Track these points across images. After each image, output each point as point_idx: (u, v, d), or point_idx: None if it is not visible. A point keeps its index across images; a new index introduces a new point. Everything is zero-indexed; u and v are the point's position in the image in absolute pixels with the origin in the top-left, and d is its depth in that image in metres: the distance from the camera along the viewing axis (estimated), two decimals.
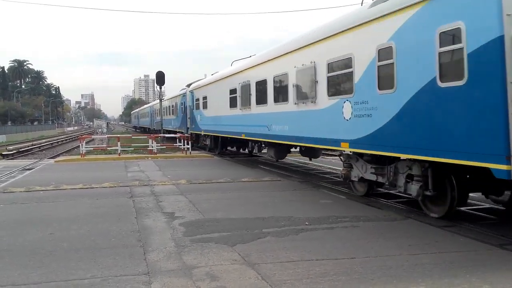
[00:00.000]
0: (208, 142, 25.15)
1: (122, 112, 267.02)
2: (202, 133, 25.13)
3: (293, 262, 5.84)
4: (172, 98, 37.67)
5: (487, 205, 9.61)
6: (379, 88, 8.73)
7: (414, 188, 8.39)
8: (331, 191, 11.72)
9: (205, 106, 23.75)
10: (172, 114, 37.08)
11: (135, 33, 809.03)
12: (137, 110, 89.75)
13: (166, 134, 31.47)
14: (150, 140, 25.10)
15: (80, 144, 24.51)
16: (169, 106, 38.86)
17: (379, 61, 8.69)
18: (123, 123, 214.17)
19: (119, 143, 23.79)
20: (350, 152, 10.34)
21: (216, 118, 21.44)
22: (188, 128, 29.04)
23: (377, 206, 9.56)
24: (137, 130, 75.65)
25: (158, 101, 42.32)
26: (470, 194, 10.45)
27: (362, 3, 10.20)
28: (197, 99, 25.54)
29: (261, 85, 15.09)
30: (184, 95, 30.96)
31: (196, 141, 27.93)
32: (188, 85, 30.20)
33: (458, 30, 6.77)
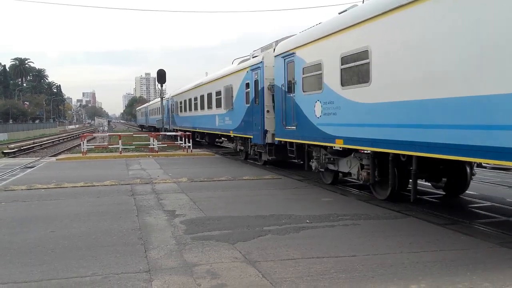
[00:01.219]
0: (356, 169, 10.54)
1: (124, 110, 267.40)
2: (339, 145, 10.59)
3: (293, 259, 5.85)
4: (219, 79, 21.48)
5: (488, 203, 9.61)
6: None
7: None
8: (332, 189, 11.71)
9: (362, 78, 9.39)
10: (218, 106, 21.65)
11: (136, 31, 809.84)
12: (145, 105, 73.48)
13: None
14: (151, 138, 25.18)
15: (82, 142, 24.52)
16: (209, 94, 23.50)
17: None
18: (124, 121, 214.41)
19: (120, 141, 23.87)
20: None
21: (418, 105, 7.85)
22: (267, 131, 15.32)
23: (378, 204, 9.57)
24: (144, 130, 61.64)
25: (178, 91, 33.10)
26: (470, 193, 10.54)
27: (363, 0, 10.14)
28: (315, 66, 11.39)
29: None
30: (255, 67, 16.07)
31: (298, 156, 13.66)
32: (264, 48, 16.04)
33: None
